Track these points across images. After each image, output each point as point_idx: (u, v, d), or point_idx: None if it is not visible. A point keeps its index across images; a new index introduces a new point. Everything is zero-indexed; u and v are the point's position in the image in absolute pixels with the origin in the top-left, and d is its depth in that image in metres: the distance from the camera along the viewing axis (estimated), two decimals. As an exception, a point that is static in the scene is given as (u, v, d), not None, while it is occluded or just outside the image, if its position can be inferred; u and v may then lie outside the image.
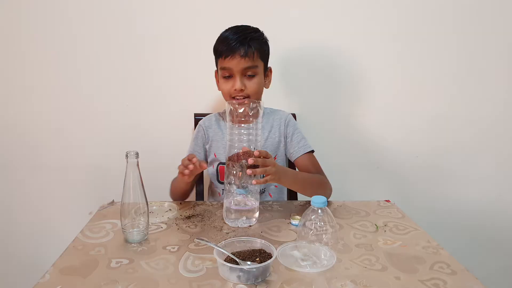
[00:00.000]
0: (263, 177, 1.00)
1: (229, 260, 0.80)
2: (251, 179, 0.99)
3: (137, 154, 0.92)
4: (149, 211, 0.98)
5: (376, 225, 1.05)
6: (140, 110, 1.59)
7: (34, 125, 1.60)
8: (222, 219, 1.07)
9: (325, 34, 1.54)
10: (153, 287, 0.76)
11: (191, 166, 1.03)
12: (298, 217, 1.04)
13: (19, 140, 1.62)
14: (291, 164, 1.35)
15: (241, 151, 0.99)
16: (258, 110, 1.00)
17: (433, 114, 1.60)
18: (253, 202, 1.04)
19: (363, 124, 1.62)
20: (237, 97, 1.20)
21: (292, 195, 1.41)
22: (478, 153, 1.64)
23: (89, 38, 1.53)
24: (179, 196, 1.26)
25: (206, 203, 1.20)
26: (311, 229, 0.89)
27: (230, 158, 1.00)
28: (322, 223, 0.89)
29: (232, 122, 1.01)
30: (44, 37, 1.53)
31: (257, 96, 1.24)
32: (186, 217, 1.09)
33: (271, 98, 1.37)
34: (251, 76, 1.21)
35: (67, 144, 1.62)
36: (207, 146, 1.34)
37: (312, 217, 0.90)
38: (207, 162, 1.37)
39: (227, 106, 1.03)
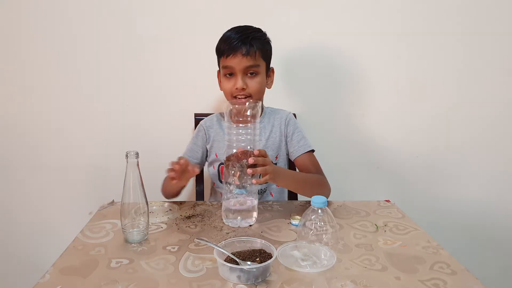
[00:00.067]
0: (260, 176, 1.00)
1: (229, 260, 0.80)
2: (250, 179, 0.99)
3: (137, 154, 0.92)
4: (149, 211, 0.98)
5: (376, 225, 1.05)
6: (140, 110, 1.60)
7: (34, 125, 1.60)
8: (222, 219, 1.07)
9: (325, 34, 1.54)
10: (153, 287, 0.76)
11: (176, 166, 1.01)
12: (298, 217, 1.04)
13: (19, 140, 1.62)
14: (291, 164, 1.35)
15: (237, 151, 0.99)
16: (256, 110, 1.00)
17: (433, 114, 1.60)
18: (251, 201, 1.03)
19: (363, 124, 1.62)
20: (239, 96, 1.20)
21: (292, 195, 1.41)
22: (478, 153, 1.64)
23: (89, 38, 1.53)
24: (169, 195, 1.25)
25: (206, 203, 1.20)
26: (311, 229, 0.89)
27: (228, 158, 1.00)
28: (322, 223, 0.89)
29: (230, 122, 1.01)
30: (44, 37, 1.53)
31: (259, 95, 1.24)
32: (186, 217, 1.09)
33: (271, 98, 1.37)
34: (253, 76, 1.21)
35: (67, 144, 1.62)
36: (208, 146, 1.34)
37: (312, 217, 0.90)
38: (205, 162, 1.37)
39: (225, 106, 1.03)
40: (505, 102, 1.59)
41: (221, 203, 1.06)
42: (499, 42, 1.54)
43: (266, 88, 1.28)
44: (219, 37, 1.23)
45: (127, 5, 1.50)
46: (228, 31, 1.22)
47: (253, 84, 1.20)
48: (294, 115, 1.44)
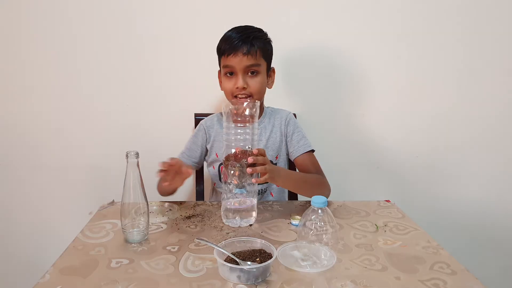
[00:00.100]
0: (259, 176, 1.00)
1: (229, 260, 0.80)
2: (249, 178, 0.99)
3: (137, 154, 0.92)
4: (149, 211, 0.98)
5: (376, 225, 1.05)
6: (140, 110, 1.60)
7: (34, 125, 1.60)
8: (222, 219, 1.07)
9: (325, 34, 1.54)
10: (153, 287, 0.76)
11: (166, 166, 1.00)
12: (298, 217, 1.04)
13: (19, 140, 1.62)
14: (291, 164, 1.35)
15: (236, 151, 0.99)
16: (254, 110, 1.00)
17: (433, 114, 1.60)
18: (251, 201, 1.03)
19: (363, 124, 1.62)
20: (239, 96, 1.20)
21: (293, 195, 1.41)
22: (478, 153, 1.64)
23: (89, 38, 1.53)
24: (165, 194, 1.23)
25: (206, 203, 1.20)
26: (311, 229, 0.89)
27: (227, 158, 1.00)
28: (322, 223, 0.89)
29: (229, 122, 1.01)
30: (44, 37, 1.53)
31: (260, 95, 1.24)
32: (186, 217, 1.09)
33: (272, 98, 1.37)
34: (254, 75, 1.20)
35: (67, 144, 1.62)
36: (208, 146, 1.33)
37: (312, 217, 0.90)
38: (203, 162, 1.37)
39: (224, 106, 1.03)
40: (505, 102, 1.59)
41: (221, 203, 1.06)
42: (499, 42, 1.54)
43: (267, 88, 1.28)
44: (219, 37, 1.23)
45: (127, 5, 1.50)
46: (229, 31, 1.22)
47: (253, 83, 1.20)
48: (294, 115, 1.44)
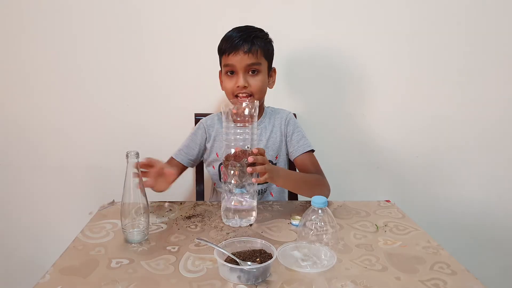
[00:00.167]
0: (259, 176, 1.00)
1: (229, 260, 0.80)
2: (249, 178, 0.99)
3: (137, 154, 0.92)
4: (150, 211, 0.98)
5: (376, 225, 1.05)
6: (140, 110, 1.60)
7: (35, 125, 1.60)
8: (222, 219, 1.07)
9: (325, 35, 1.54)
10: (153, 287, 0.76)
11: (141, 165, 0.96)
12: (298, 217, 1.04)
13: (20, 140, 1.62)
14: (291, 164, 1.35)
15: (236, 151, 0.99)
16: (254, 110, 1.00)
17: (433, 114, 1.60)
18: (251, 201, 1.03)
19: (363, 124, 1.62)
20: (240, 95, 1.20)
21: (293, 195, 1.41)
22: (478, 153, 1.64)
23: (90, 38, 1.53)
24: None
25: (206, 203, 1.20)
26: (312, 229, 0.89)
27: (227, 158, 1.00)
28: (322, 223, 0.89)
29: (229, 122, 1.01)
30: (44, 37, 1.53)
31: (261, 94, 1.24)
32: (186, 217, 1.09)
33: (272, 97, 1.37)
34: (254, 74, 1.20)
35: (67, 144, 1.62)
36: (208, 145, 1.33)
37: (313, 217, 0.90)
38: (199, 161, 1.37)
39: (223, 106, 1.03)
40: (505, 102, 1.59)
41: (221, 203, 1.06)
42: (499, 43, 1.54)
43: (268, 88, 1.28)
44: (220, 37, 1.23)
45: (128, 5, 1.50)
46: (230, 31, 1.22)
47: (254, 82, 1.20)
48: (295, 115, 1.44)
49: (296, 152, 1.28)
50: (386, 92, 1.59)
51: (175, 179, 1.11)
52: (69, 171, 1.64)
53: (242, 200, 1.03)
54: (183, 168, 1.32)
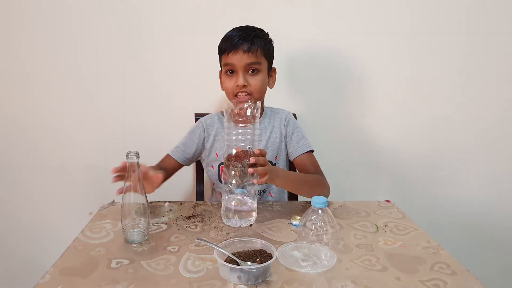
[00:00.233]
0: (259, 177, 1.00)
1: (229, 260, 0.80)
2: (250, 178, 0.99)
3: (137, 154, 0.92)
4: (150, 211, 0.98)
5: (376, 225, 1.05)
6: (140, 110, 1.60)
7: (35, 125, 1.60)
8: (222, 219, 1.07)
9: (325, 35, 1.54)
10: (154, 287, 0.76)
11: (117, 169, 0.96)
12: (298, 217, 1.04)
13: (20, 140, 1.62)
14: (291, 164, 1.35)
15: (237, 151, 0.99)
16: (256, 110, 1.00)
17: (433, 114, 1.60)
18: (250, 201, 1.03)
19: (363, 124, 1.62)
20: (240, 94, 1.20)
21: (293, 195, 1.41)
22: (478, 153, 1.64)
23: (90, 38, 1.53)
24: None
25: (207, 203, 1.20)
26: (312, 230, 0.89)
27: (228, 158, 1.00)
28: (322, 224, 0.89)
29: (230, 122, 1.01)
30: (44, 37, 1.53)
31: (260, 94, 1.24)
32: (186, 217, 1.09)
33: (272, 97, 1.37)
34: (254, 73, 1.20)
35: (67, 144, 1.62)
36: (207, 145, 1.33)
37: (313, 217, 0.90)
38: (195, 160, 1.36)
39: (225, 106, 1.03)
40: (505, 102, 1.59)
41: (221, 203, 1.06)
42: (499, 43, 1.54)
43: (268, 87, 1.28)
44: (220, 37, 1.23)
45: (128, 4, 1.50)
46: (230, 30, 1.22)
47: (254, 81, 1.20)
48: (294, 115, 1.44)
49: (295, 152, 1.27)
50: (386, 92, 1.59)
51: (162, 182, 1.10)
52: (69, 171, 1.64)
53: (243, 200, 1.03)
54: (178, 166, 1.31)
